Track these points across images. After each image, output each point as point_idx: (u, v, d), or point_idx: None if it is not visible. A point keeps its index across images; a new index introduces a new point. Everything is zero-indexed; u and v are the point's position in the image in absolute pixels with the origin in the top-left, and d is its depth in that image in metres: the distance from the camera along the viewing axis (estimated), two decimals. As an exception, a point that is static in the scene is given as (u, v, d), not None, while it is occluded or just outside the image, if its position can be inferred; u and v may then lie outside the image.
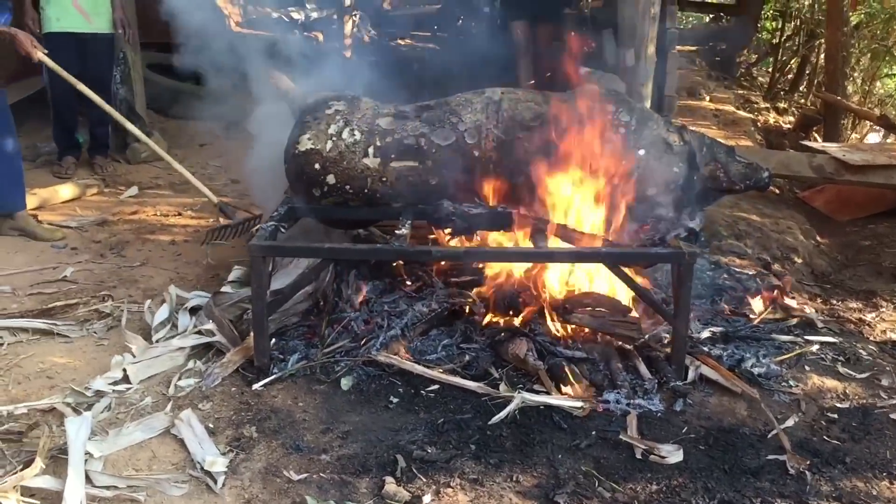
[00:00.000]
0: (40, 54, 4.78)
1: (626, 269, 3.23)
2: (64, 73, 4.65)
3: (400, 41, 9.63)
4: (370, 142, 3.48)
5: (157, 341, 3.40)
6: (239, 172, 4.71)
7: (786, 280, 4.19)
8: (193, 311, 3.61)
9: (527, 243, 3.36)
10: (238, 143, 4.34)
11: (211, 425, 2.85)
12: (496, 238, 3.58)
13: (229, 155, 4.50)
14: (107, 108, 4.85)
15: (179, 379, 3.14)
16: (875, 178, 5.57)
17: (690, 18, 14.54)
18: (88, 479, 2.48)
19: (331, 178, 3.48)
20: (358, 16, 8.99)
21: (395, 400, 3.06)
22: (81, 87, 4.73)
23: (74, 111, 5.74)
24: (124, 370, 3.14)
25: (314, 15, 9.46)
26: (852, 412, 3.09)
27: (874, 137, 9.35)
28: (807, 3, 10.73)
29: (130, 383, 3.10)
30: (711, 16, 13.46)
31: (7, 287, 3.89)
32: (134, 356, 3.26)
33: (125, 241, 4.60)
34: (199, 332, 3.39)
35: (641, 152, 3.39)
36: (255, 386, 3.10)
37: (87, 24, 5.57)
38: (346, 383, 3.15)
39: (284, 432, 2.84)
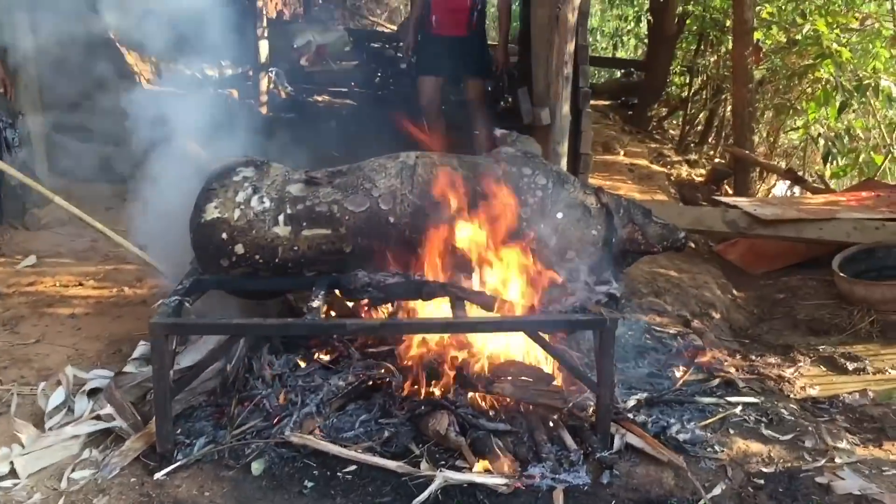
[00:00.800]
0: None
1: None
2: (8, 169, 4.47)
3: (317, 98, 9.56)
4: (280, 209, 3.35)
5: (50, 429, 3.14)
6: (146, 238, 4.48)
7: (706, 340, 4.19)
8: (92, 392, 3.36)
9: (446, 312, 3.26)
10: (146, 207, 4.14)
11: (107, 523, 2.63)
12: (415, 307, 3.46)
13: (137, 219, 4.29)
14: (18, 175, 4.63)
15: (73, 471, 2.89)
16: (786, 232, 5.69)
17: (602, 74, 14.93)
18: None
19: (239, 248, 3.32)
20: (274, 72, 8.89)
21: (309, 484, 2.88)
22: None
23: None
24: (11, 463, 2.88)
25: (228, 72, 9.32)
26: (778, 476, 3.05)
27: (781, 189, 9.66)
28: (712, 59, 11.10)
29: (18, 478, 2.84)
30: (622, 71, 13.85)
31: None
32: (23, 447, 3.00)
33: (20, 315, 4.30)
34: (98, 417, 3.15)
35: (559, 216, 3.36)
36: (158, 475, 2.88)
37: None
38: (256, 468, 2.95)
39: (188, 528, 2.63)
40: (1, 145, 5.41)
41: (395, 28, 12.25)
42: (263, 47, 8.30)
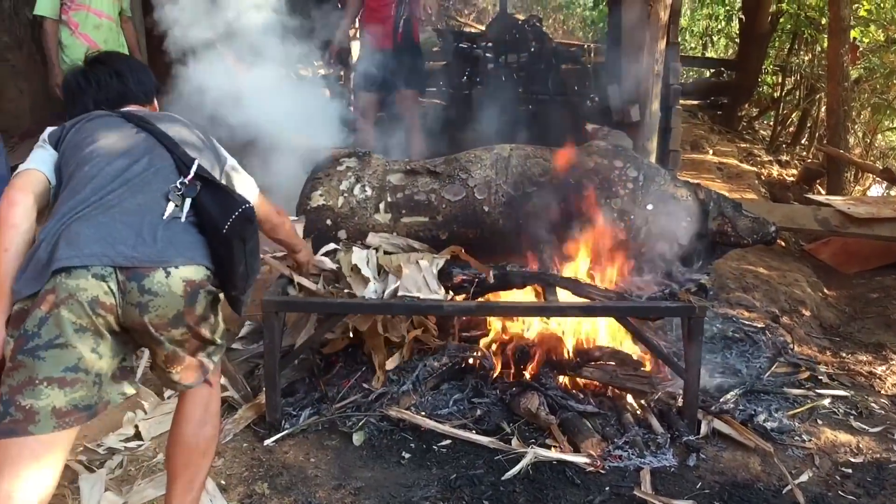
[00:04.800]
0: None
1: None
2: None
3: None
4: (381, 197, 3.53)
5: (169, 397, 3.39)
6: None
7: (795, 336, 4.19)
8: (205, 366, 3.61)
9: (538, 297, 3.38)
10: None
11: (223, 482, 2.84)
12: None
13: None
14: None
15: (191, 435, 3.13)
16: (881, 231, 5.60)
17: (691, 73, 14.75)
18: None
19: (342, 234, 3.53)
20: (364, 72, 9.14)
21: (407, 455, 3.05)
22: None
23: None
24: (136, 427, 3.14)
25: (321, 72, 9.63)
26: (867, 466, 3.08)
27: (877, 190, 9.42)
28: (806, 58, 10.90)
29: (143, 440, 3.10)
30: (712, 70, 13.67)
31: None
32: (146, 412, 3.26)
33: (136, 296, 4.62)
34: (212, 388, 3.40)
35: (650, 207, 3.44)
36: (267, 442, 3.09)
37: None
38: (358, 438, 3.14)
39: (296, 489, 2.83)
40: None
41: (482, 28, 12.40)
42: (354, 48, 8.55)
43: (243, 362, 3.71)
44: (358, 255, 3.28)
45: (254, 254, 2.20)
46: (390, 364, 3.47)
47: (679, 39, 6.47)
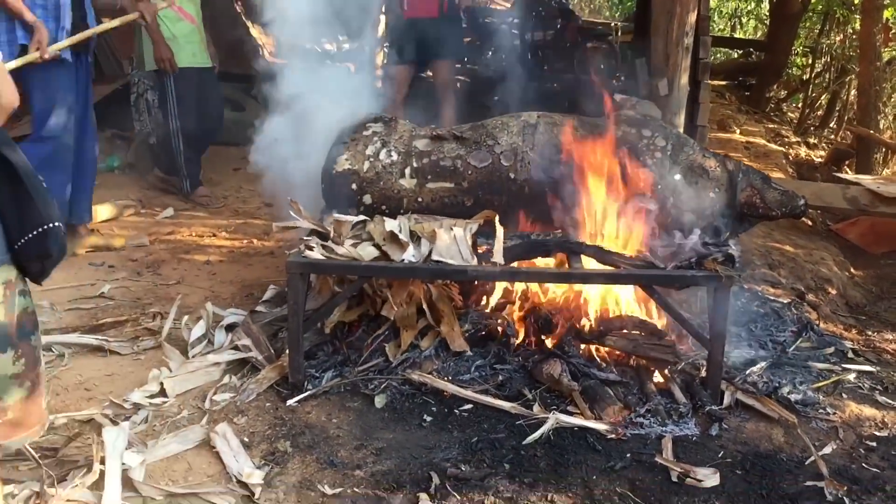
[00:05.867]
0: None
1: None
2: None
3: (430, 73, 9.73)
4: (407, 163, 3.53)
5: (193, 357, 3.43)
6: (272, 195, 4.77)
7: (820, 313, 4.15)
8: (229, 328, 3.65)
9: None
10: (270, 167, 4.41)
11: (246, 439, 2.86)
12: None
13: (262, 178, 4.58)
14: None
15: (215, 393, 3.16)
16: (910, 211, 5.53)
17: (719, 54, 14.58)
18: (131, 488, 2.51)
19: (367, 199, 3.53)
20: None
21: (428, 418, 3.06)
22: None
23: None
24: (161, 384, 3.17)
25: (346, 46, 9.60)
26: (891, 440, 3.04)
27: (906, 172, 9.29)
28: (837, 39, 10.74)
29: (167, 397, 3.13)
30: (740, 51, 13.51)
31: (45, 302, 3.93)
32: (171, 370, 3.29)
33: (161, 260, 4.67)
34: (236, 348, 3.43)
35: (678, 177, 3.41)
36: (290, 402, 3.11)
37: (206, 60, 5.80)
38: (379, 401, 3.15)
39: (318, 447, 2.84)
40: (142, 105, 5.83)
41: (509, 5, 12.32)
42: (381, 23, 8.52)
43: (267, 325, 3.73)
44: (391, 223, 3.27)
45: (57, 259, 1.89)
46: (425, 343, 3.45)
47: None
